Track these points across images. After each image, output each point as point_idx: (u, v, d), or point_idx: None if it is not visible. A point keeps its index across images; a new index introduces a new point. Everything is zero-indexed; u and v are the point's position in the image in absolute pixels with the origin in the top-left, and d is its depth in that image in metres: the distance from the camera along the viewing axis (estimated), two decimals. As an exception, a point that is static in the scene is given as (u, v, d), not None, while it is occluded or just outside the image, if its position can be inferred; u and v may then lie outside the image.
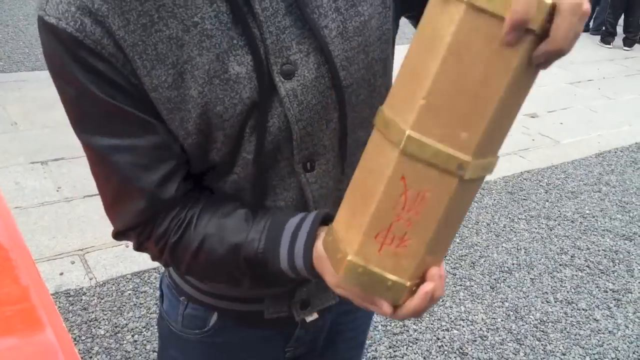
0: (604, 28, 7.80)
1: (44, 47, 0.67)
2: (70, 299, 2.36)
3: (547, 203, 3.52)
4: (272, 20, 0.68)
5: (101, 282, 2.47)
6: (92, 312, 2.31)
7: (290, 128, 0.73)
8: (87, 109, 0.68)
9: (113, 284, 2.46)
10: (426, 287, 0.60)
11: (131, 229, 0.76)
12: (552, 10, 0.49)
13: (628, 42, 7.63)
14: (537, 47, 0.51)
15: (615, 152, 4.38)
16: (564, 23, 0.49)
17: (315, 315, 0.94)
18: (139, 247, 0.78)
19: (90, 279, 2.48)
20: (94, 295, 2.39)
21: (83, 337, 2.19)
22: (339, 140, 0.77)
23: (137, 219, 0.74)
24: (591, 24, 8.04)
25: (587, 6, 0.50)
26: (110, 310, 2.33)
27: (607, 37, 7.70)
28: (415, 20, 0.87)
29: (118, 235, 0.78)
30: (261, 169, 0.75)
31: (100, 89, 0.66)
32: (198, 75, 0.67)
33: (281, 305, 0.90)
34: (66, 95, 0.68)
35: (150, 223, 0.75)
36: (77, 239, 2.70)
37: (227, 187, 0.78)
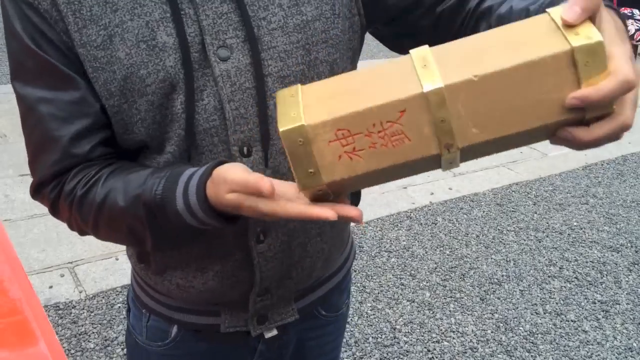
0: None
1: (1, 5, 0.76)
2: (60, 312, 2.35)
3: (535, 215, 3.56)
4: (209, 5, 0.74)
5: (91, 295, 2.45)
6: (82, 326, 2.30)
7: (224, 108, 0.76)
8: (22, 60, 0.75)
9: (103, 297, 2.45)
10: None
11: (45, 184, 0.78)
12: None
13: None
14: (567, 119, 0.53)
15: (602, 164, 4.43)
16: (630, 102, 0.53)
17: (274, 332, 0.93)
18: (52, 208, 0.81)
19: (80, 292, 2.46)
20: (83, 309, 2.38)
21: (72, 351, 2.17)
22: (260, 131, 0.78)
23: (50, 171, 0.77)
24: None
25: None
26: (100, 324, 2.31)
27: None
28: (388, 39, 0.91)
29: (35, 193, 0.81)
30: (197, 149, 0.77)
31: (34, 42, 0.73)
32: (127, 38, 0.72)
33: (237, 320, 0.90)
34: (9, 48, 0.76)
35: (62, 178, 0.77)
36: (66, 252, 2.69)
37: (162, 162, 0.79)
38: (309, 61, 0.78)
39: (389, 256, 3.00)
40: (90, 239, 2.77)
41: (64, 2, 0.71)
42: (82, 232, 0.83)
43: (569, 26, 0.51)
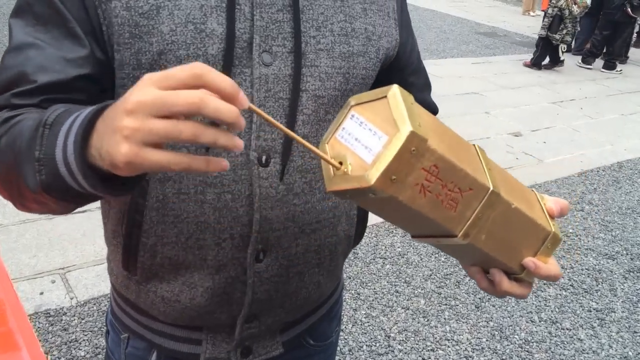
0: (587, 48, 7.95)
1: None
2: (50, 319, 2.32)
3: (531, 222, 3.55)
4: (266, 10, 0.74)
5: (82, 302, 2.43)
6: (73, 333, 2.27)
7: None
8: (32, 2, 0.71)
9: (94, 304, 2.42)
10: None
11: None
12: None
13: (608, 66, 7.78)
14: None
15: (598, 171, 4.43)
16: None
17: None
18: None
19: (71, 299, 2.44)
20: (74, 316, 2.35)
21: (63, 359, 2.14)
22: (282, 143, 0.77)
23: None
24: (573, 44, 8.19)
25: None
26: (91, 331, 2.29)
27: (588, 58, 7.85)
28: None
29: None
30: (215, 149, 0.74)
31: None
32: (177, 14, 0.70)
33: (220, 350, 0.87)
34: None
35: None
36: (58, 257, 2.66)
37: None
38: (344, 90, 0.80)
39: (383, 263, 2.98)
40: (82, 244, 2.76)
41: None
42: None
43: (550, 214, 0.72)
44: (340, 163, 0.58)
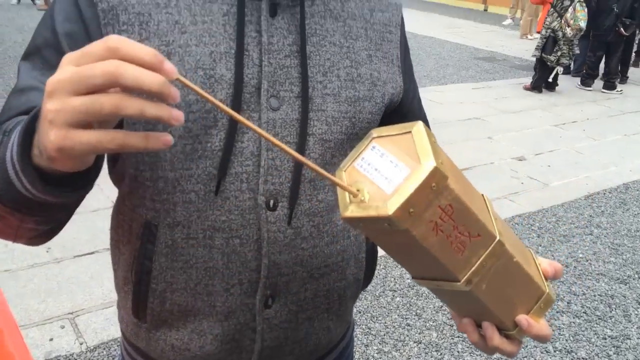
0: (584, 70, 8.01)
1: None
2: (60, 365, 2.30)
3: (540, 247, 3.52)
4: (274, 56, 0.76)
5: (92, 347, 2.41)
6: (83, 379, 2.24)
7: (261, 155, 0.75)
8: (42, 47, 0.73)
9: (104, 349, 2.40)
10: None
11: None
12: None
13: (608, 86, 7.82)
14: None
15: (604, 193, 4.42)
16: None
17: None
18: None
19: (81, 344, 2.42)
20: (84, 361, 2.33)
21: (73, 407, 2.12)
22: (290, 187, 0.78)
23: None
24: (571, 66, 8.25)
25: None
26: (102, 377, 2.26)
27: (587, 80, 7.89)
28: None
29: None
30: (223, 193, 0.75)
31: (67, 37, 0.71)
32: (187, 60, 0.72)
33: None
34: (36, 32, 0.75)
35: None
36: (66, 301, 2.65)
37: (179, 200, 0.76)
38: (351, 133, 0.81)
39: (393, 295, 2.96)
40: (90, 287, 2.75)
41: (134, 13, 0.71)
42: None
43: (545, 275, 0.72)
44: (358, 191, 0.58)
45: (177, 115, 0.48)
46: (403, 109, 0.92)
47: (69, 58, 0.49)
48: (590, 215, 4.01)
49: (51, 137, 0.48)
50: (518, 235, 3.64)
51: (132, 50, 0.46)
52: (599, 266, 3.37)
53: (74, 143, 0.47)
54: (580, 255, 3.47)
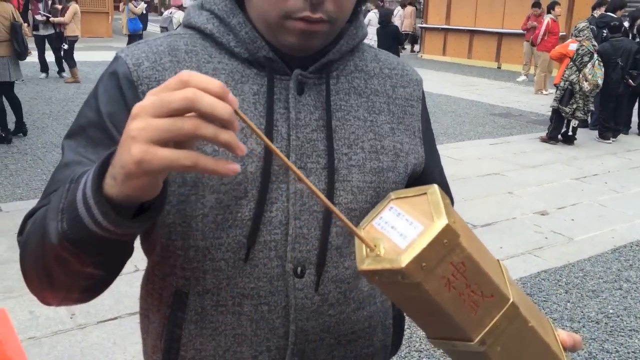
0: (599, 125, 8.05)
1: (102, 75, 0.81)
2: None
3: (568, 304, 3.44)
4: (302, 130, 0.80)
5: (114, 415, 2.37)
6: None
7: (289, 224, 0.78)
8: (86, 127, 0.78)
9: (126, 417, 2.37)
10: None
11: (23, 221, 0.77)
12: None
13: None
14: None
15: (631, 246, 4.33)
16: None
17: None
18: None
19: (103, 412, 2.39)
20: None
21: None
22: (317, 254, 0.80)
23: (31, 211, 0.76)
24: (589, 119, 8.28)
25: None
26: None
27: (605, 133, 7.90)
28: None
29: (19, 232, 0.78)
30: (252, 261, 0.78)
31: (110, 118, 0.76)
32: None
33: None
34: (81, 111, 0.80)
35: None
36: (90, 368, 2.64)
37: (209, 268, 0.78)
38: (375, 202, 0.83)
39: (419, 356, 2.89)
40: (114, 353, 2.73)
41: None
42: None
43: (563, 345, 0.72)
44: (375, 246, 0.61)
45: (242, 147, 0.54)
46: (426, 179, 0.95)
47: (151, 92, 0.55)
48: (619, 269, 3.92)
49: (133, 150, 0.53)
50: (545, 292, 3.57)
51: (203, 81, 0.53)
52: (631, 322, 3.26)
53: (153, 157, 0.52)
54: (611, 311, 3.37)
